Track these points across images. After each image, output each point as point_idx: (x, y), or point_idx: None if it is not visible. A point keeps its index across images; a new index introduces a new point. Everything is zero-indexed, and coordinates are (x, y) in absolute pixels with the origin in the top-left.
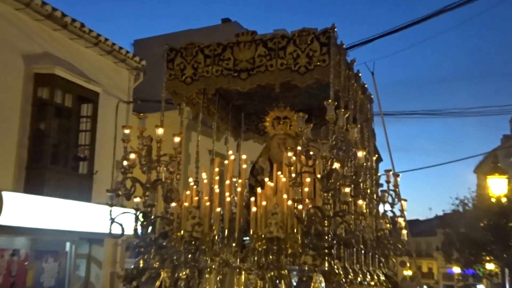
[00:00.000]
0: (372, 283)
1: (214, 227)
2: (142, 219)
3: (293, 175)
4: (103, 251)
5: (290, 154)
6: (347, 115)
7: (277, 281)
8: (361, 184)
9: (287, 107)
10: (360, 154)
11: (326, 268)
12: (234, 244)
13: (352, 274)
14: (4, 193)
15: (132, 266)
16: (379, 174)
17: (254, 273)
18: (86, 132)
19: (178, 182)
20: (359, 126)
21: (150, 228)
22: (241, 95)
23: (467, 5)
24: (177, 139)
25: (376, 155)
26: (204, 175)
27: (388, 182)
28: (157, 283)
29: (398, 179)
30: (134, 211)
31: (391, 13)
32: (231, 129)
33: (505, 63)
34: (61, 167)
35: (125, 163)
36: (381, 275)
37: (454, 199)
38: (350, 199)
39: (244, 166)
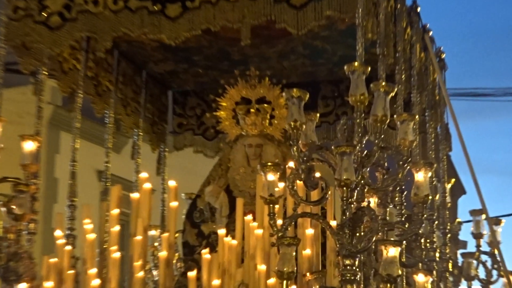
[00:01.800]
0: None
1: None
2: None
3: (279, 222)
4: None
5: (271, 177)
6: (392, 95)
7: None
8: (422, 241)
9: (265, 79)
10: (421, 177)
11: None
12: None
13: None
14: None
15: None
16: (459, 219)
17: None
18: None
19: (32, 240)
20: (417, 117)
21: None
22: (168, 53)
23: None
24: (29, 146)
25: (453, 180)
26: (88, 224)
27: (477, 236)
28: None
29: (499, 229)
30: None
31: None
32: (146, 126)
33: None
34: None
35: None
36: None
37: None
38: (400, 272)
39: (174, 204)
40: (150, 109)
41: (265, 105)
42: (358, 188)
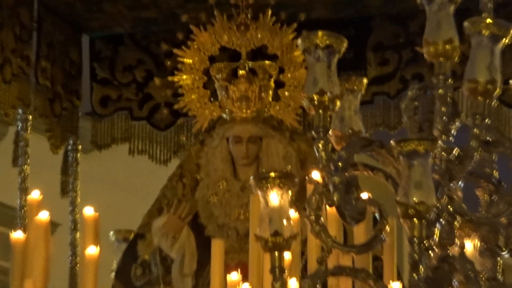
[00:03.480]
0: None
1: None
2: None
3: (293, 284)
4: None
5: (277, 199)
6: (506, 42)
7: None
8: None
9: (265, 13)
10: None
11: None
12: None
13: None
14: None
15: None
16: None
17: None
18: None
19: None
20: None
21: None
22: None
23: None
24: None
25: None
26: None
27: None
28: None
29: None
30: None
31: None
32: (41, 103)
33: None
34: None
35: None
36: None
37: None
38: None
39: (93, 251)
40: (48, 70)
41: (266, 62)
42: (441, 221)
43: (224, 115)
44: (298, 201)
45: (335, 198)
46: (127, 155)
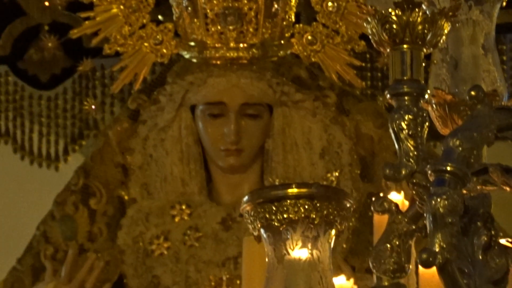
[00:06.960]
0: None
1: None
2: None
3: None
4: None
5: (300, 249)
6: None
7: None
8: None
9: None
10: None
11: None
12: None
13: None
14: None
15: None
16: None
17: None
18: None
19: None
20: None
21: None
22: None
23: None
24: None
25: None
26: None
27: None
28: None
29: None
30: None
31: None
32: None
33: None
34: None
35: None
36: None
37: None
38: None
39: None
40: None
41: None
42: None
43: (186, 54)
44: (353, 254)
45: (436, 249)
46: None
